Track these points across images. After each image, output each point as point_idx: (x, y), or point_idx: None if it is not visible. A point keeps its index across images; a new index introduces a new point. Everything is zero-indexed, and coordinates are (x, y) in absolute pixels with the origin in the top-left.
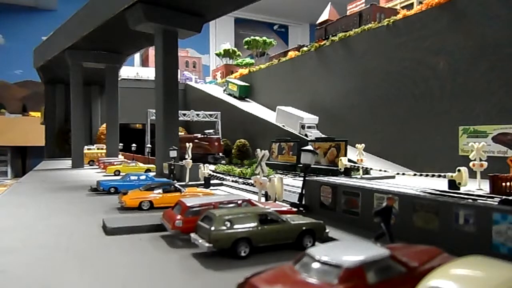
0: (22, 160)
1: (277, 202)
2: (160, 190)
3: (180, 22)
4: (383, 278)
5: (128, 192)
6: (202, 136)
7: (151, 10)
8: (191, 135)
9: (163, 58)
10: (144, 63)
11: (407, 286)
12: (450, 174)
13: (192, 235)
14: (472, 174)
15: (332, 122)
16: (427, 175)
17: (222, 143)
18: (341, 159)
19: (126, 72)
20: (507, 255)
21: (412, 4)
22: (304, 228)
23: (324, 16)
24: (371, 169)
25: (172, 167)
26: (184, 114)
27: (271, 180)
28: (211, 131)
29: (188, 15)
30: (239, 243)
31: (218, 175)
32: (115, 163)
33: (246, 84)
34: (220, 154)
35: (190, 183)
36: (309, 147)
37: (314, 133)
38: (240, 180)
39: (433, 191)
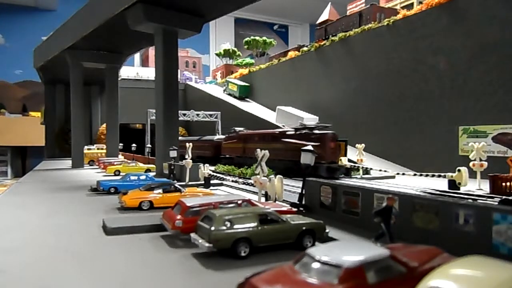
0: (22, 160)
1: (277, 202)
2: (160, 190)
3: (180, 22)
4: (383, 278)
5: (128, 192)
6: (301, 131)
7: (151, 10)
8: (266, 131)
9: (163, 58)
10: (144, 63)
11: (407, 286)
12: (450, 174)
13: (192, 235)
14: (472, 174)
15: (332, 122)
16: (427, 175)
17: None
18: (341, 159)
19: (126, 72)
20: (507, 255)
21: (412, 4)
22: (304, 228)
23: (324, 16)
24: (371, 169)
25: (172, 167)
26: (184, 114)
27: (271, 180)
28: (314, 123)
29: (188, 15)
30: (239, 243)
31: (218, 175)
32: (115, 163)
33: (246, 84)
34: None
35: (190, 183)
36: (309, 147)
37: None
38: (240, 180)
39: (433, 191)
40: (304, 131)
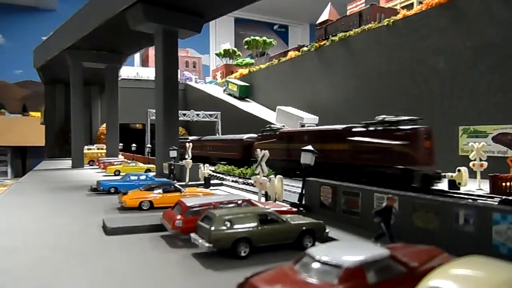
0: (22, 160)
1: (277, 202)
2: (160, 190)
3: (180, 22)
4: (383, 278)
5: (128, 192)
6: (376, 127)
7: (151, 10)
8: (323, 128)
9: (163, 58)
10: (144, 63)
11: (407, 286)
12: (450, 174)
13: (192, 235)
14: (472, 174)
15: (332, 122)
16: None
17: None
18: None
19: (126, 72)
20: (507, 255)
21: (412, 4)
22: (304, 228)
23: (324, 16)
24: None
25: (172, 167)
26: (184, 114)
27: (271, 180)
28: (398, 118)
29: (188, 15)
30: (239, 243)
31: (218, 175)
32: (115, 163)
33: (246, 84)
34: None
35: (190, 183)
36: (309, 147)
37: None
38: (240, 180)
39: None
40: (382, 127)
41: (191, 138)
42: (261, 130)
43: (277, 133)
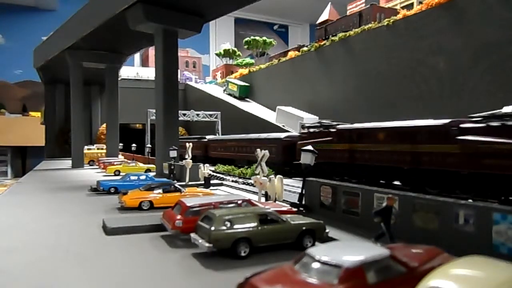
0: (22, 160)
1: (277, 202)
2: (160, 190)
3: (180, 22)
4: (383, 278)
5: (128, 192)
6: (505, 121)
7: (151, 10)
8: (411, 123)
9: (163, 58)
10: (144, 63)
11: (407, 286)
12: None
13: (192, 235)
14: None
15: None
16: None
17: None
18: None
19: (126, 72)
20: (507, 255)
21: (412, 4)
22: (304, 228)
23: (324, 16)
24: None
25: (172, 167)
26: (184, 114)
27: (271, 180)
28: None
29: (188, 15)
30: (239, 243)
31: (218, 175)
32: (115, 163)
33: (246, 84)
34: None
35: (190, 183)
36: (309, 147)
37: None
38: (240, 180)
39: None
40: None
41: (208, 137)
42: (307, 126)
43: (334, 130)
